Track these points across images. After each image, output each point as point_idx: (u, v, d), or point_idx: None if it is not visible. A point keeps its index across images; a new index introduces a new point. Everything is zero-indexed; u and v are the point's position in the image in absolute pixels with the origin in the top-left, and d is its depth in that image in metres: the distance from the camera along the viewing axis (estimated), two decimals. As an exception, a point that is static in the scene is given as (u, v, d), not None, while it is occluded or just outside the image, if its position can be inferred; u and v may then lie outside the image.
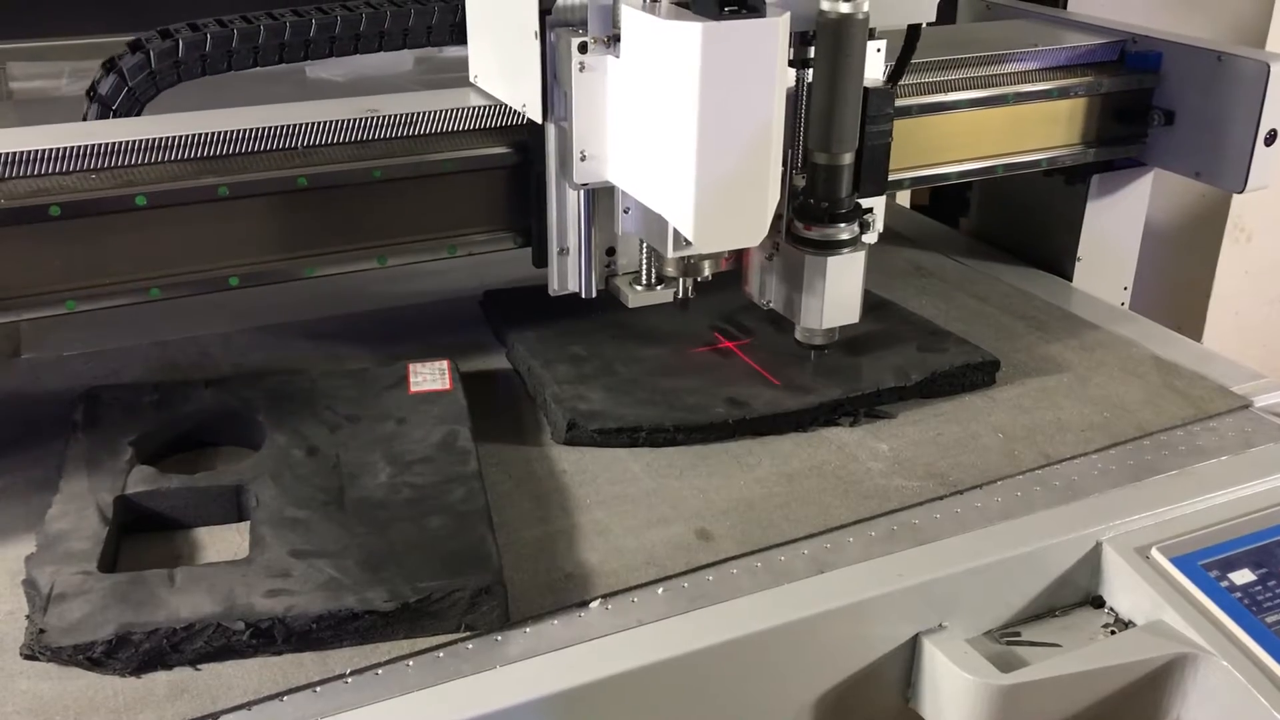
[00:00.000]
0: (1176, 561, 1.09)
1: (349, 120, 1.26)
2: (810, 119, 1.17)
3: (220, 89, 1.40)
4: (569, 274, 1.28)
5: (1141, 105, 1.63)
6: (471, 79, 1.36)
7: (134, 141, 1.19)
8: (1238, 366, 1.43)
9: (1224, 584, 1.07)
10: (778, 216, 1.20)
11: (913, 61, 1.25)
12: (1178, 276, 2.68)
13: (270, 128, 1.23)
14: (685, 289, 1.28)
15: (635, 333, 1.44)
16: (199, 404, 1.23)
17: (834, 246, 1.21)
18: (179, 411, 1.22)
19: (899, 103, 1.33)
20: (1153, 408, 1.33)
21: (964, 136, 1.54)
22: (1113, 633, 1.09)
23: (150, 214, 1.17)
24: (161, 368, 1.39)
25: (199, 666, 0.93)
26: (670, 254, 1.19)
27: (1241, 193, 1.57)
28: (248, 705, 0.90)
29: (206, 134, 1.21)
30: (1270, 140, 1.53)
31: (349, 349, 1.44)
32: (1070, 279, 1.73)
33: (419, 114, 1.28)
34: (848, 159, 1.18)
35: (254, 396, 1.24)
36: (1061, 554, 1.11)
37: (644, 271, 1.29)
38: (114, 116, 1.35)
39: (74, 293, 1.17)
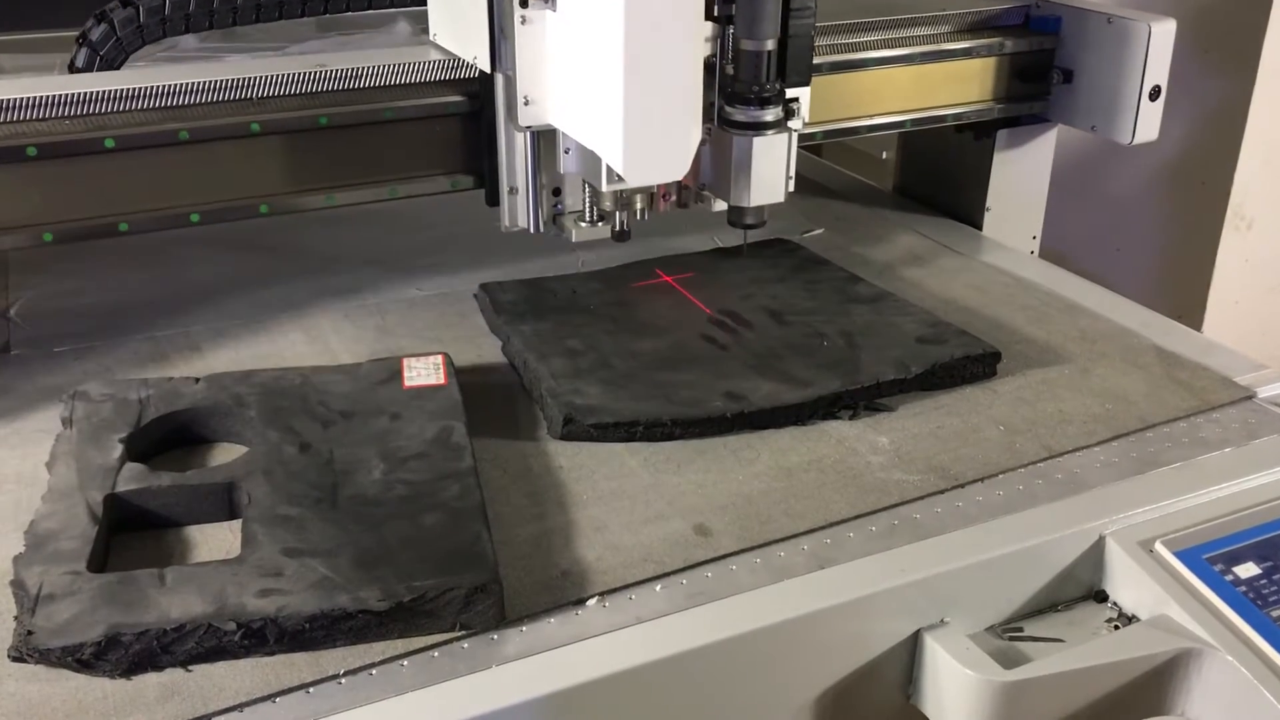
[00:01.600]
0: (1180, 555, 1.08)
1: (304, 74, 1.38)
2: (737, 8, 1.27)
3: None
4: (519, 211, 1.40)
5: (1043, 65, 1.76)
6: (431, 37, 1.49)
7: (104, 91, 1.30)
8: (1240, 357, 1.42)
9: (1228, 578, 1.06)
10: (709, 104, 1.31)
11: (831, 22, 1.49)
12: (1178, 265, 2.67)
13: (231, 80, 1.35)
14: (622, 223, 1.39)
15: (632, 326, 1.42)
16: (190, 400, 1.21)
17: (759, 128, 1.29)
18: (170, 408, 1.20)
19: (816, 59, 1.47)
20: (1155, 399, 1.32)
21: (877, 93, 1.66)
22: (1116, 627, 1.08)
23: (118, 155, 1.28)
24: (152, 363, 1.38)
25: (190, 668, 0.92)
26: (604, 189, 1.29)
27: (1130, 144, 1.69)
28: (239, 707, 0.89)
29: (172, 85, 1.33)
30: (1154, 95, 1.66)
31: (342, 343, 1.43)
32: (980, 228, 1.85)
33: (376, 68, 1.40)
34: (770, 45, 1.27)
35: (246, 392, 1.22)
36: (1064, 548, 1.10)
37: (586, 209, 1.39)
38: (100, 63, 1.48)
39: (51, 226, 1.29)
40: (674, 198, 1.43)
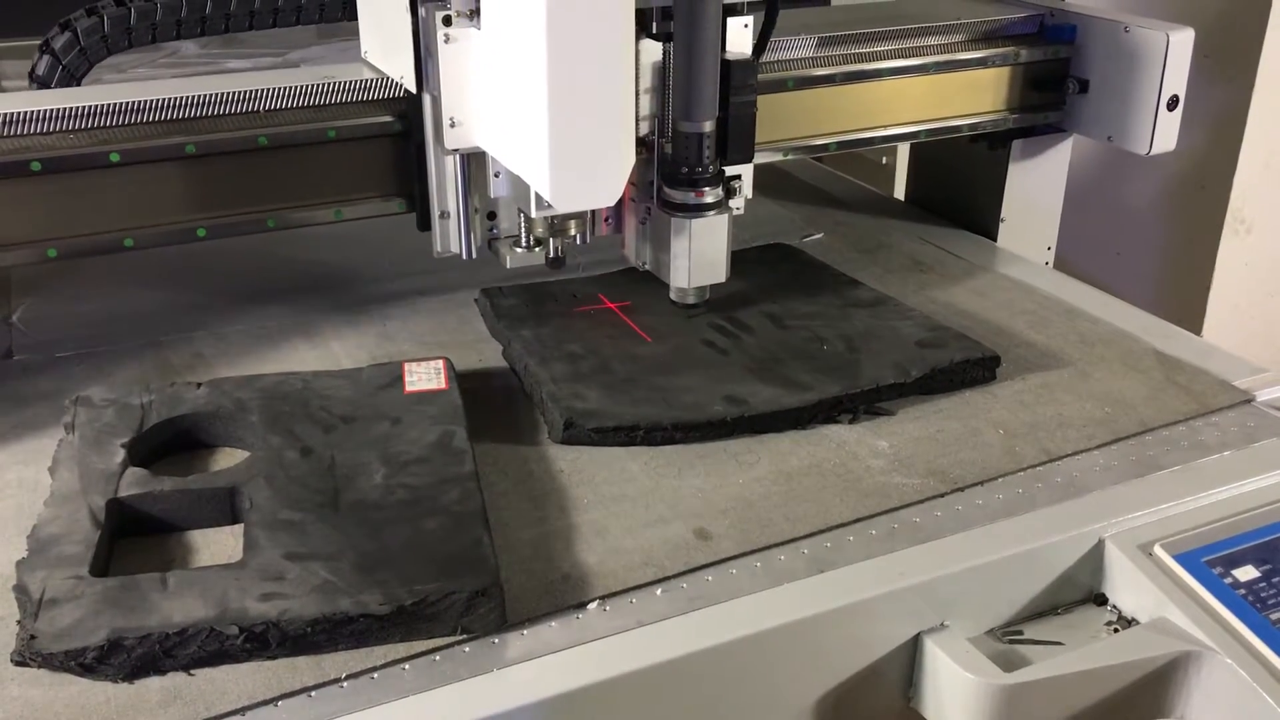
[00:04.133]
0: (1180, 558, 1.08)
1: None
2: (673, 89, 1.26)
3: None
4: (450, 237, 1.36)
5: (1058, 74, 1.73)
6: (362, 54, 1.45)
7: (109, 105, 1.29)
8: (1240, 361, 1.42)
9: (1228, 581, 1.06)
10: (649, 183, 1.30)
11: (844, 33, 1.45)
12: (1177, 269, 2.67)
13: (175, 99, 1.32)
14: (556, 250, 1.36)
15: (632, 331, 1.43)
16: (192, 405, 1.22)
17: (698, 210, 1.29)
18: (172, 413, 1.20)
19: (827, 70, 1.54)
20: (1155, 403, 1.32)
21: (891, 104, 1.65)
22: (1116, 630, 1.09)
23: (123, 170, 1.27)
24: (154, 368, 1.38)
25: (192, 671, 0.92)
26: (534, 214, 1.26)
27: (1148, 154, 1.67)
28: (242, 710, 0.89)
29: (178, 98, 1.31)
30: (1172, 105, 1.64)
31: (343, 348, 1.43)
32: (995, 239, 1.83)
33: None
34: (708, 127, 1.26)
35: (247, 397, 1.23)
36: (1064, 551, 1.10)
37: (521, 234, 1.36)
38: (64, 73, 1.48)
39: (55, 242, 1.28)
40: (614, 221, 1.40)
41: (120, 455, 1.13)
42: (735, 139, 1.29)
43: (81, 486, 1.09)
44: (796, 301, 1.50)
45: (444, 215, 1.34)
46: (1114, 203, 2.62)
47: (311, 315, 1.52)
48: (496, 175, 1.30)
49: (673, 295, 1.36)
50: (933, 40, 1.66)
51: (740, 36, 1.30)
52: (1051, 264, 1.88)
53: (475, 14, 1.18)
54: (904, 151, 2.22)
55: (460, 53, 1.21)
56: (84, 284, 1.60)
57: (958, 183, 1.90)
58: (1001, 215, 1.82)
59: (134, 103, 1.29)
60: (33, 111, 1.26)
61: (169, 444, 1.20)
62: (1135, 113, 1.66)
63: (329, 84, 1.36)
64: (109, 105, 1.29)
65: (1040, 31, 1.75)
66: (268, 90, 1.34)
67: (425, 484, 1.10)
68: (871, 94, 1.62)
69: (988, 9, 1.76)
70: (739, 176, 1.31)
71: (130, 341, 1.44)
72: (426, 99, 1.27)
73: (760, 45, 1.32)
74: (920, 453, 1.22)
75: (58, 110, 1.27)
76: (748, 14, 1.29)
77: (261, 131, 1.32)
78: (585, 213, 1.35)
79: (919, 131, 1.68)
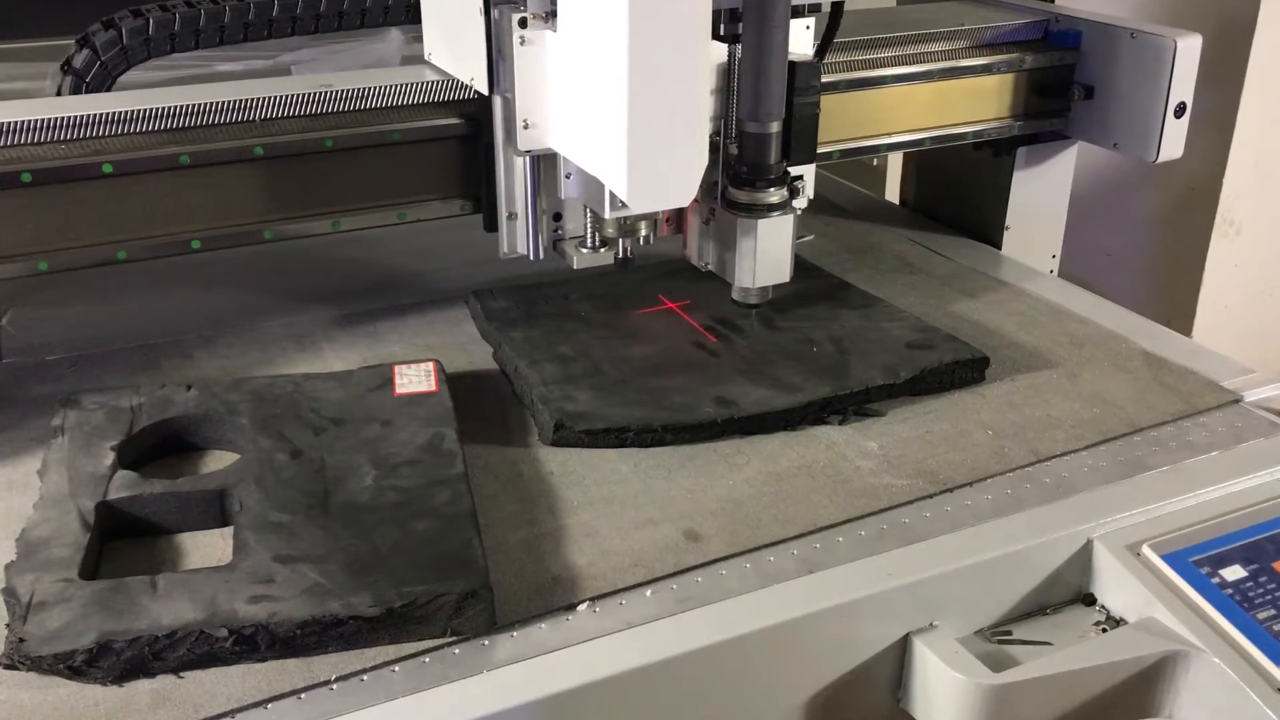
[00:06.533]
0: (1168, 558, 1.08)
1: (306, 94, 1.33)
2: (739, 91, 1.26)
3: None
4: (518, 238, 1.36)
5: (1063, 81, 1.72)
6: (426, 57, 1.44)
7: (100, 114, 1.26)
8: (1227, 361, 1.42)
9: (1215, 580, 1.07)
10: (713, 183, 1.30)
11: (847, 39, 1.41)
12: (1167, 270, 2.68)
13: (229, 101, 1.31)
14: (625, 250, 1.36)
15: (623, 332, 1.43)
16: (182, 408, 1.22)
17: (764, 210, 1.30)
18: (161, 415, 1.20)
19: (830, 78, 1.49)
20: (1143, 403, 1.33)
21: (895, 111, 1.63)
22: (1104, 630, 1.09)
23: (117, 181, 1.25)
24: (144, 371, 1.38)
25: (182, 674, 0.92)
26: (607, 215, 1.26)
27: (1154, 162, 1.65)
28: (231, 713, 0.89)
29: (170, 107, 1.29)
30: (1179, 112, 1.62)
31: (334, 351, 1.43)
32: (1000, 247, 1.81)
33: (374, 89, 1.36)
34: (775, 128, 1.27)
35: (237, 400, 1.23)
36: (1052, 552, 1.11)
37: (587, 234, 1.36)
38: (86, 89, 1.43)
39: (45, 255, 1.26)
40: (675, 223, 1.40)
41: (110, 458, 1.13)
42: (799, 139, 1.30)
43: (71, 489, 1.08)
44: (787, 303, 1.50)
45: (512, 216, 1.34)
46: (1104, 204, 2.63)
47: (302, 317, 1.52)
48: (568, 176, 1.29)
49: (735, 295, 1.37)
50: (936, 47, 1.64)
51: (803, 37, 1.31)
52: (1056, 272, 1.85)
53: (551, 16, 1.18)
54: (896, 153, 2.22)
55: (535, 55, 1.21)
56: (74, 287, 1.60)
57: (961, 190, 1.88)
58: (1006, 223, 1.80)
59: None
60: (22, 121, 1.25)
61: (159, 446, 1.20)
62: (1142, 120, 1.64)
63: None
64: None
65: (1045, 37, 1.73)
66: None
67: (415, 486, 1.10)
68: (875, 101, 1.60)
69: (992, 15, 1.75)
70: (801, 176, 1.32)
71: (120, 344, 1.44)
72: (497, 101, 1.27)
73: (824, 46, 1.33)
74: (909, 454, 1.23)
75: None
76: (809, 16, 1.30)
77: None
78: (655, 213, 1.36)
79: (923, 139, 1.66)
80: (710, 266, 1.37)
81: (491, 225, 1.36)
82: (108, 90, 1.46)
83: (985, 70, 1.67)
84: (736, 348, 1.39)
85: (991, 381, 1.37)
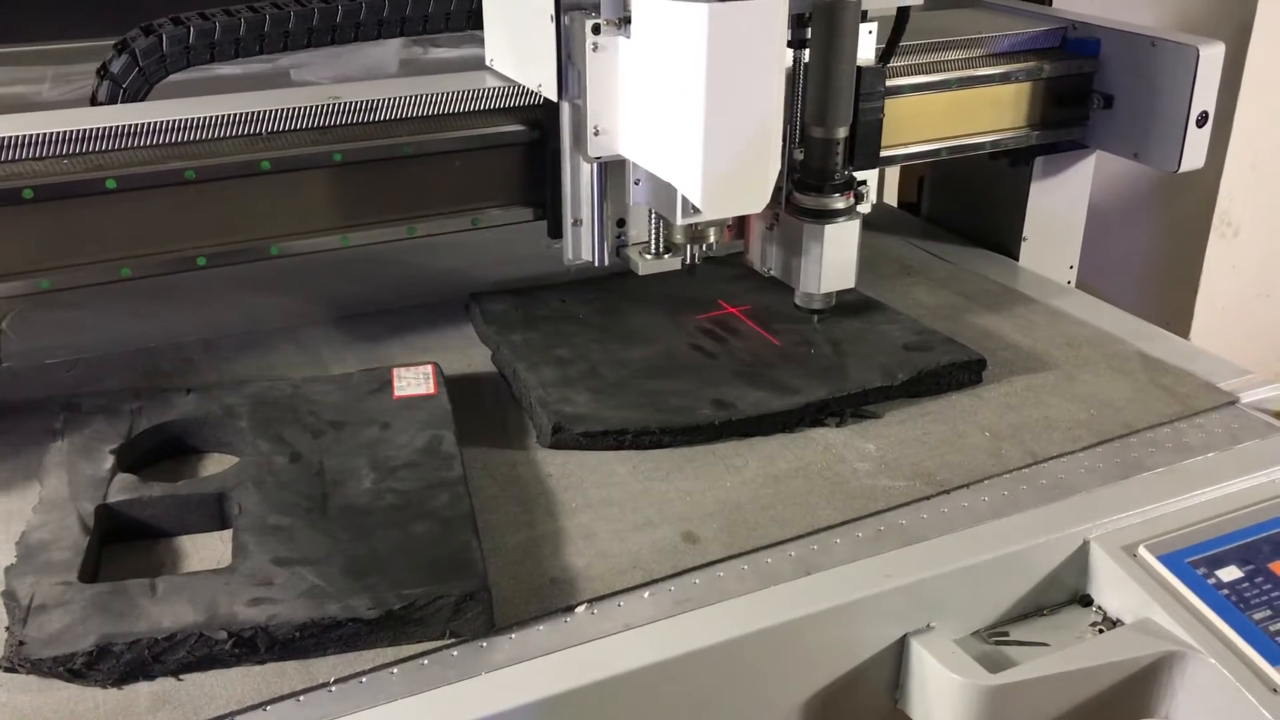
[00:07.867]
0: (1164, 559, 1.09)
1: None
2: (807, 96, 1.25)
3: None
4: (583, 244, 1.34)
5: (1082, 89, 1.69)
6: (487, 63, 1.42)
7: (105, 128, 1.23)
8: (1224, 363, 1.43)
9: (1211, 581, 1.07)
10: (777, 189, 1.27)
11: None
12: (1164, 272, 2.69)
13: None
14: (693, 256, 1.34)
15: (620, 335, 1.43)
16: (181, 411, 1.22)
17: (830, 215, 1.27)
18: (161, 419, 1.21)
19: None
20: (1140, 405, 1.33)
21: (911, 121, 1.59)
22: (1101, 631, 1.09)
23: (120, 197, 1.21)
24: (144, 374, 1.38)
25: (181, 677, 0.92)
26: (679, 221, 1.24)
27: (1176, 172, 1.62)
28: (231, 715, 0.89)
29: (175, 120, 1.25)
30: (1201, 122, 1.58)
31: (332, 354, 1.44)
32: (1017, 258, 1.78)
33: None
34: (842, 133, 1.25)
35: (236, 403, 1.23)
36: (1049, 553, 1.11)
37: (653, 241, 1.33)
38: (124, 95, 1.38)
39: (48, 272, 1.22)
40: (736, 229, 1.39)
41: (109, 461, 1.13)
42: (863, 144, 1.31)
43: (70, 492, 1.09)
44: (784, 305, 1.50)
45: (577, 223, 1.33)
46: (1102, 206, 2.63)
47: (300, 320, 1.52)
48: (636, 183, 1.27)
49: (798, 300, 1.34)
50: (953, 55, 1.61)
51: (865, 42, 1.30)
52: (1074, 282, 1.82)
53: (625, 22, 1.17)
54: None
55: (607, 61, 1.20)
56: (74, 290, 1.59)
57: (978, 200, 1.85)
58: (1023, 234, 1.77)
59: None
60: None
61: (158, 450, 1.20)
62: (1163, 129, 1.60)
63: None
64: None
65: (1063, 45, 1.70)
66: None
67: (414, 488, 1.10)
68: (890, 111, 1.54)
69: (1009, 23, 1.71)
70: (864, 181, 1.31)
71: (119, 348, 1.44)
72: (565, 107, 1.26)
73: (888, 52, 1.33)
74: (906, 455, 1.23)
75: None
76: (871, 21, 1.29)
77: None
78: (724, 219, 1.33)
79: (940, 150, 1.62)
80: (773, 272, 1.36)
81: (556, 232, 1.35)
82: (145, 96, 1.41)
83: (1002, 79, 1.63)
84: (734, 350, 1.39)
85: (989, 383, 1.37)
